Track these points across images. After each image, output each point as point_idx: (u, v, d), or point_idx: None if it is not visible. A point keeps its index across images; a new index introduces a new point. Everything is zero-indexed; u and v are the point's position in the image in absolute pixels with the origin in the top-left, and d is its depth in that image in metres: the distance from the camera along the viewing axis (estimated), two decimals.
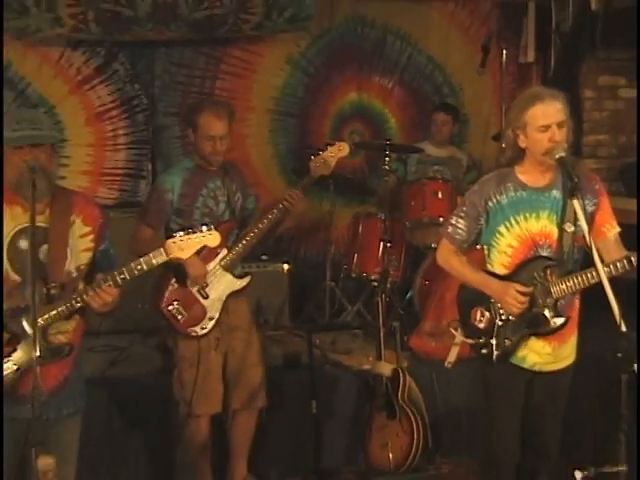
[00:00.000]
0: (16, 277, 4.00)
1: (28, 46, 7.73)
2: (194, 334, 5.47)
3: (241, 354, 5.64)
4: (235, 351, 5.63)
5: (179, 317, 5.46)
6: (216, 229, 4.09)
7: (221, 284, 5.51)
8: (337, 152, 5.64)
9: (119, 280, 3.97)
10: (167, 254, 4.01)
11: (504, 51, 8.34)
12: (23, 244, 3.98)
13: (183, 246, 4.03)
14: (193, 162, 5.59)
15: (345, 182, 7.82)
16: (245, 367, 5.64)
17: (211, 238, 4.07)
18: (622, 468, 3.47)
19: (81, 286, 4.03)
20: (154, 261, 4.01)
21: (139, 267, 3.99)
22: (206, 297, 5.47)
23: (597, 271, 3.93)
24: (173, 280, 5.46)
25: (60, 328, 4.07)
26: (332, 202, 7.76)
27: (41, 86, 7.88)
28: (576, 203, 4.08)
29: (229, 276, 5.54)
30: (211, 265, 5.45)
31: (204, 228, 4.06)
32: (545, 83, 8.21)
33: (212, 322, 5.48)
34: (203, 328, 5.47)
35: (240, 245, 5.51)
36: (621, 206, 6.63)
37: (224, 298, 5.52)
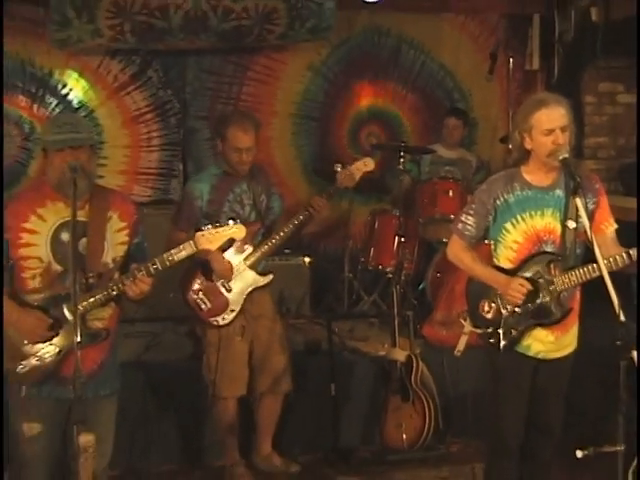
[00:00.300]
0: (58, 267, 4.03)
1: (70, 55, 7.79)
2: (215, 323, 5.51)
3: (266, 341, 5.66)
4: (260, 338, 5.65)
5: (203, 307, 5.50)
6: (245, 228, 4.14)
7: (244, 280, 5.53)
8: (363, 167, 5.64)
9: (152, 270, 4.00)
10: (196, 246, 4.05)
11: (511, 59, 8.35)
12: (65, 236, 4.01)
13: (211, 239, 4.06)
14: (220, 169, 5.61)
15: (362, 181, 7.79)
16: (270, 354, 5.67)
17: (237, 231, 4.10)
18: (620, 448, 3.47)
19: (117, 276, 4.06)
20: (184, 252, 4.05)
21: (170, 258, 4.03)
22: (229, 290, 5.49)
23: (598, 265, 3.92)
24: (200, 272, 5.49)
25: (97, 315, 4.09)
26: (350, 200, 7.76)
27: (82, 92, 7.95)
28: (578, 201, 4.08)
29: (252, 273, 5.55)
30: (236, 261, 5.47)
31: (230, 222, 4.10)
32: (549, 89, 8.21)
33: (233, 314, 5.50)
34: (224, 319, 5.50)
35: (265, 246, 5.54)
36: (620, 204, 6.67)
37: (246, 292, 5.54)
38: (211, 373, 5.54)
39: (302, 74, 8.49)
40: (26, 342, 4.00)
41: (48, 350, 4.04)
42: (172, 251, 4.03)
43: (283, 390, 5.75)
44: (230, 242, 4.23)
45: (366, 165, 5.64)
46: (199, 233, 4.05)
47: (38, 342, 4.01)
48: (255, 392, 5.70)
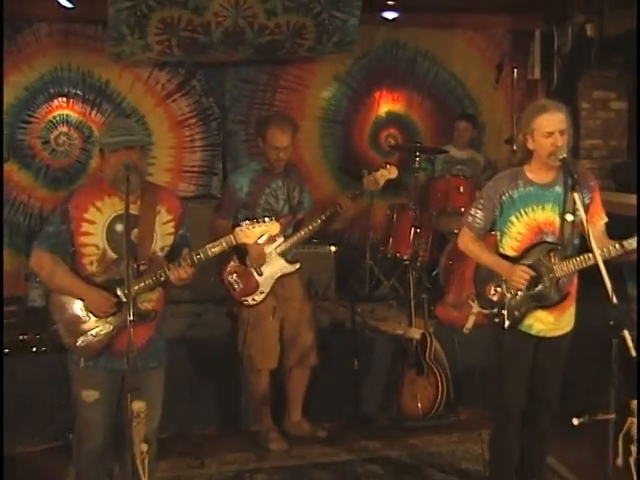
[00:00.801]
0: (112, 254, 4.09)
1: (124, 67, 7.84)
2: (246, 303, 5.54)
3: (295, 321, 5.69)
4: (290, 318, 5.67)
5: (235, 287, 5.53)
6: (276, 221, 4.16)
7: (274, 266, 5.54)
8: (387, 174, 5.58)
9: (195, 260, 4.04)
10: (235, 240, 4.10)
11: (515, 70, 8.29)
12: (119, 227, 4.06)
13: (248, 234, 4.10)
14: (260, 165, 5.61)
15: None
16: (299, 331, 5.70)
17: (272, 227, 4.14)
18: (612, 416, 3.47)
19: (164, 263, 4.10)
20: (224, 245, 4.10)
21: (212, 249, 4.08)
22: (260, 274, 5.51)
23: (593, 254, 3.91)
24: (235, 256, 5.50)
25: (146, 297, 4.15)
26: (371, 195, 7.74)
27: (134, 99, 7.99)
28: (577, 196, 4.08)
29: (282, 260, 5.57)
30: (268, 249, 5.48)
31: (267, 219, 4.13)
32: (549, 96, 8.20)
33: (262, 295, 5.53)
34: (254, 299, 5.53)
35: (295, 237, 5.55)
36: (613, 200, 6.71)
37: (275, 277, 5.55)
38: (246, 348, 5.58)
39: (328, 83, 8.48)
40: (93, 316, 4.09)
41: (103, 327, 4.10)
42: (214, 243, 4.09)
43: (310, 364, 5.78)
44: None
45: (390, 173, 5.59)
46: (238, 228, 4.11)
47: (103, 317, 4.08)
48: (285, 365, 5.73)
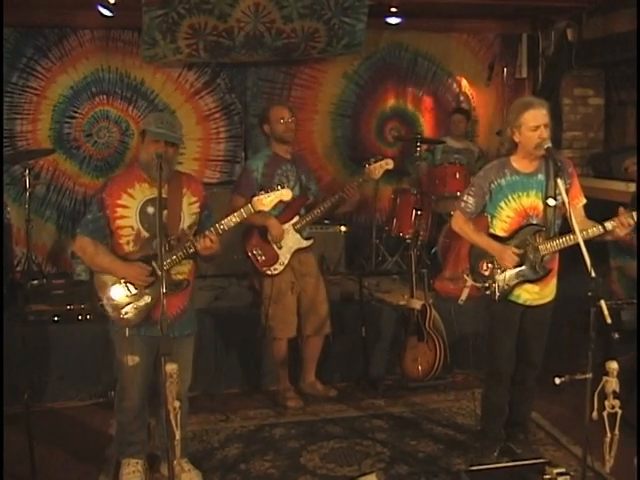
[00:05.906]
0: (145, 234, 4.15)
1: (157, 68, 7.86)
2: (269, 273, 5.55)
3: (311, 294, 5.70)
4: (307, 292, 5.69)
5: (259, 258, 5.54)
6: (294, 201, 4.22)
7: (292, 240, 5.56)
8: (385, 165, 5.56)
9: (219, 229, 4.11)
10: (253, 208, 4.18)
11: (504, 69, 8.34)
12: (150, 210, 4.13)
13: (264, 202, 4.21)
14: (271, 151, 5.64)
15: None
16: (315, 303, 5.71)
17: (284, 194, 4.25)
18: (589, 376, 3.49)
19: (191, 237, 4.16)
20: (244, 214, 4.18)
21: (233, 219, 4.16)
22: (280, 248, 5.53)
23: (574, 233, 3.93)
24: (257, 233, 5.53)
25: (179, 270, 4.21)
26: (377, 182, 7.73)
27: (165, 96, 8.00)
28: (559, 181, 4.10)
29: (298, 236, 5.58)
30: (286, 226, 5.52)
31: (279, 187, 4.24)
32: (535, 93, 8.19)
33: (282, 266, 5.54)
34: (276, 269, 5.54)
35: (309, 217, 5.56)
36: (591, 185, 6.71)
37: (293, 251, 5.57)
38: (269, 319, 5.60)
39: (338, 81, 8.45)
40: (134, 288, 4.14)
41: (142, 300, 4.15)
42: (235, 214, 4.15)
43: (324, 333, 5.80)
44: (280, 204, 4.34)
45: (387, 164, 5.60)
46: (255, 198, 4.20)
47: (142, 286, 4.13)
48: (302, 334, 5.76)
